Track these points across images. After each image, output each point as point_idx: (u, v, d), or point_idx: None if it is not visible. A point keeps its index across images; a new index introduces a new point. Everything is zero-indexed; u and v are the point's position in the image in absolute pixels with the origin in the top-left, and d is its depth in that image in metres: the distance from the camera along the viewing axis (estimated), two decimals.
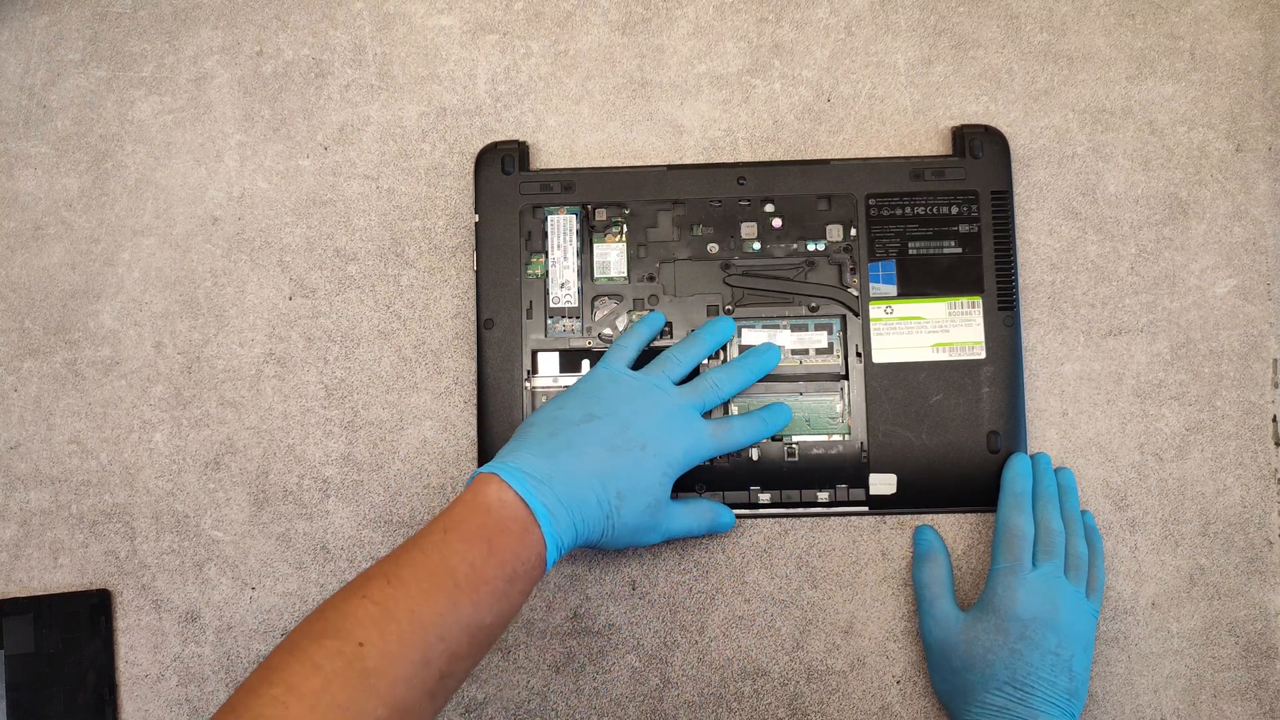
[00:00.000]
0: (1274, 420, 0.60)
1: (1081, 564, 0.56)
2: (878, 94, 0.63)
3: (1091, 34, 0.63)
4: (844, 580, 0.60)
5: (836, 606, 0.60)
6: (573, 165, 0.63)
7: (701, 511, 0.57)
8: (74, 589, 0.61)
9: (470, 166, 0.63)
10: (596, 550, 0.59)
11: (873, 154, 0.62)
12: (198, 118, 0.63)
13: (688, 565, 0.60)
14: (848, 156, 0.62)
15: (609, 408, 0.52)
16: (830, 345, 0.60)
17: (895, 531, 0.60)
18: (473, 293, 0.62)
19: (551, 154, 0.63)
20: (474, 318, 0.62)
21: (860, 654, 0.60)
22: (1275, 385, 0.61)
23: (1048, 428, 0.60)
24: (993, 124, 0.62)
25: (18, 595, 0.61)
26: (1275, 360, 0.61)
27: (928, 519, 0.60)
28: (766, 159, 0.62)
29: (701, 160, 0.62)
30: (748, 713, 0.59)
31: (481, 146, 0.62)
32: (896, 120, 0.63)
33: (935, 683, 0.57)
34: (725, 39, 0.63)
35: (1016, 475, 0.58)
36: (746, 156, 0.62)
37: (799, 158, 0.62)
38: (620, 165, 0.62)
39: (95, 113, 0.64)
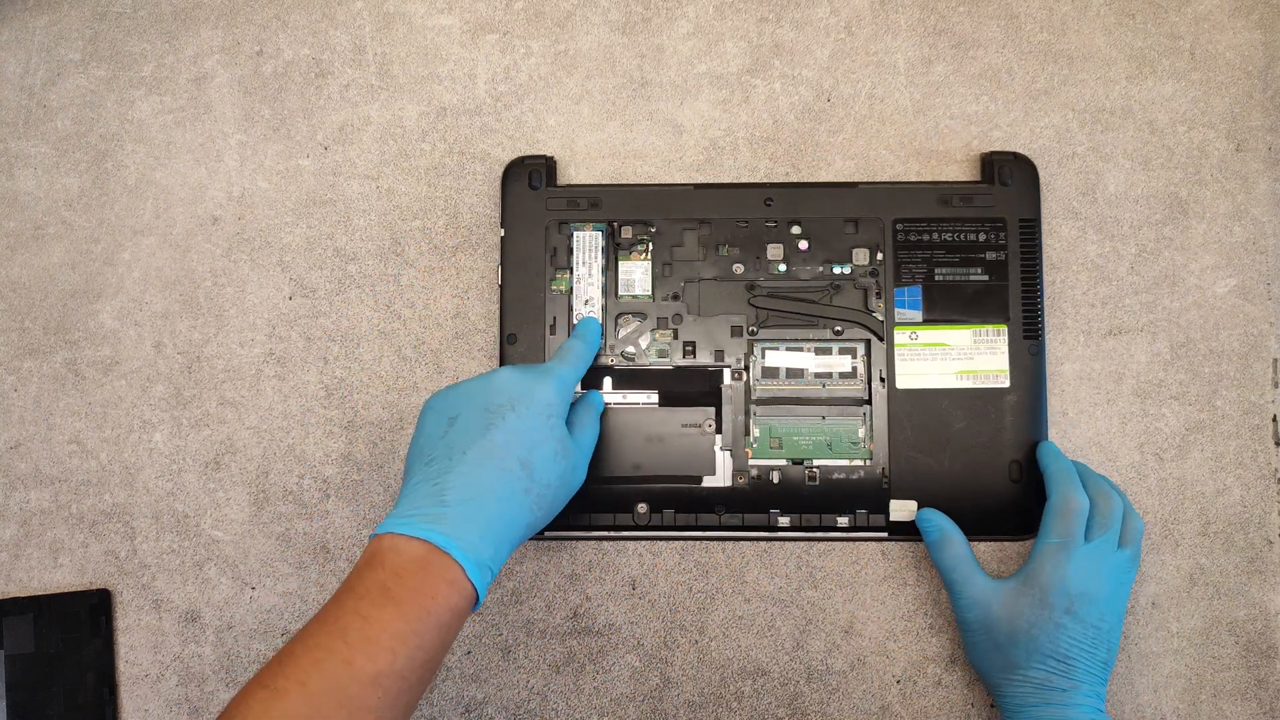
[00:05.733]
0: (1274, 420, 0.60)
1: (1136, 536, 0.55)
2: (878, 94, 0.63)
3: (1091, 34, 0.63)
4: (844, 580, 0.60)
5: (836, 606, 0.60)
6: (571, 165, 0.63)
7: (586, 411, 0.57)
8: (74, 589, 0.61)
9: (470, 166, 0.63)
10: (568, 518, 0.59)
11: (873, 154, 0.62)
12: (198, 118, 0.63)
13: (688, 565, 0.60)
14: (876, 180, 0.61)
15: (461, 404, 0.51)
16: (854, 369, 0.60)
17: None
18: (474, 293, 0.62)
19: (551, 154, 0.63)
20: (473, 318, 0.62)
21: (860, 654, 0.60)
22: (1275, 385, 0.61)
23: (1048, 427, 0.60)
24: (993, 124, 0.62)
25: (18, 595, 0.61)
26: (1275, 360, 0.61)
27: None
28: (768, 159, 0.62)
29: (702, 160, 0.62)
30: (748, 713, 0.59)
31: (483, 148, 0.62)
32: (896, 120, 0.63)
33: (972, 657, 0.56)
34: (725, 39, 0.63)
35: (1056, 454, 0.57)
36: (746, 156, 0.62)
37: (799, 158, 0.62)
38: (647, 183, 0.62)
39: (95, 113, 0.64)
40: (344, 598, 0.45)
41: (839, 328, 0.60)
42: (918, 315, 0.60)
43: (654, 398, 0.60)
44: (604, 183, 0.62)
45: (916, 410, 0.59)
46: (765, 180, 0.62)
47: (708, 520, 0.59)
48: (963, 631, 0.56)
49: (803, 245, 0.60)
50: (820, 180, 0.62)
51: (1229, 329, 0.61)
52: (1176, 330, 0.61)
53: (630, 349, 0.60)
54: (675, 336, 0.60)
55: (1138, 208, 0.62)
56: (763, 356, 0.60)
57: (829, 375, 0.60)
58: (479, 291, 0.62)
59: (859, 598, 0.60)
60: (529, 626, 0.60)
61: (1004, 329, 0.60)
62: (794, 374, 0.60)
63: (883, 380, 0.60)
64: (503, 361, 0.60)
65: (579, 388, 0.60)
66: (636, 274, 0.61)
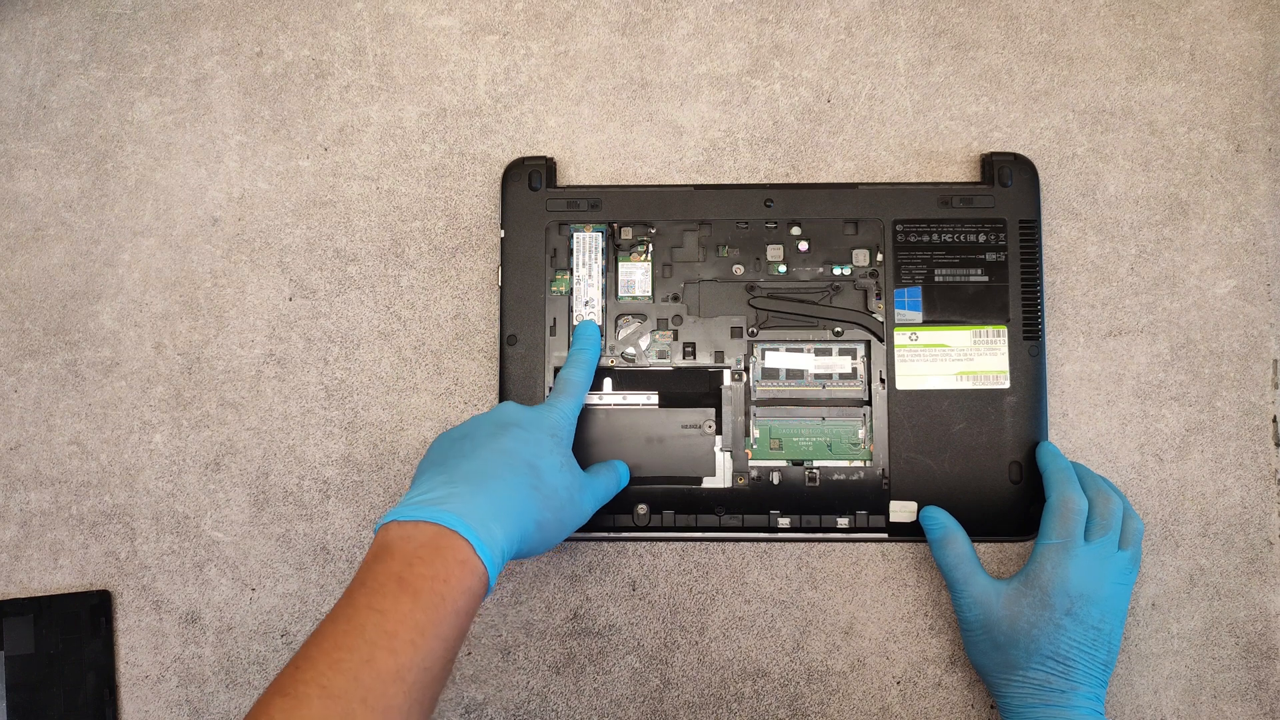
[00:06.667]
0: (1274, 420, 0.60)
1: (1136, 537, 0.55)
2: (878, 94, 0.63)
3: (1091, 34, 0.63)
4: (844, 581, 0.60)
5: (836, 607, 0.60)
6: (571, 165, 0.63)
7: (608, 471, 0.57)
8: (74, 589, 0.61)
9: (470, 167, 0.63)
10: (571, 532, 0.58)
11: (873, 155, 0.62)
12: (198, 118, 0.63)
13: (688, 565, 0.60)
14: (876, 181, 0.61)
15: (469, 427, 0.52)
16: (854, 370, 0.60)
17: None
18: (474, 294, 0.62)
19: (551, 155, 0.63)
20: (473, 319, 0.62)
21: (860, 654, 0.60)
22: (1275, 385, 0.61)
23: (1048, 428, 0.60)
24: (992, 125, 0.62)
25: (18, 596, 0.61)
26: (1275, 360, 0.61)
27: None
28: (768, 160, 0.62)
29: (702, 161, 0.62)
30: (748, 713, 0.60)
31: (483, 148, 0.62)
32: (896, 121, 0.62)
33: (972, 656, 0.56)
34: (725, 39, 0.63)
35: (1055, 455, 0.58)
36: (746, 157, 0.62)
37: (799, 158, 0.62)
38: (647, 184, 0.62)
39: (95, 113, 0.64)
40: (356, 593, 0.44)
41: (839, 329, 0.60)
42: (918, 316, 0.60)
43: (654, 399, 0.60)
44: (604, 184, 0.62)
45: (916, 411, 0.59)
46: (765, 181, 0.62)
47: (707, 521, 0.59)
48: (963, 631, 0.56)
49: (803, 246, 0.60)
50: (820, 181, 0.62)
51: (1229, 330, 0.61)
52: (1176, 331, 0.61)
53: (630, 350, 0.60)
54: (675, 337, 0.60)
55: (1138, 208, 0.62)
56: (763, 357, 0.60)
57: (829, 376, 0.60)
58: (479, 293, 0.62)
59: (859, 599, 0.60)
60: (529, 627, 0.60)
61: (1004, 330, 0.59)
62: (794, 375, 0.60)
63: (883, 381, 0.60)
64: (502, 363, 0.60)
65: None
66: (636, 275, 0.61)
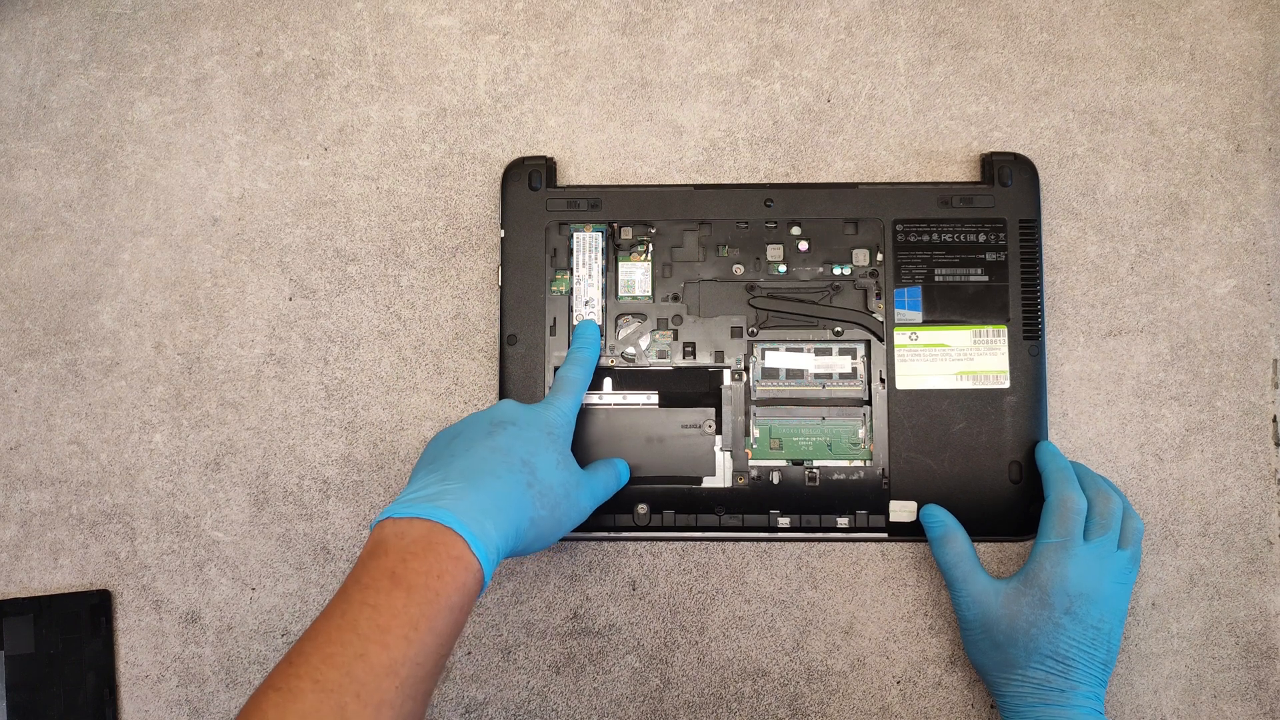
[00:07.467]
0: (1274, 420, 0.61)
1: (1136, 537, 0.55)
2: (878, 94, 0.63)
3: (1091, 34, 0.63)
4: (844, 580, 0.60)
5: (836, 607, 0.60)
6: (571, 165, 0.63)
7: (607, 468, 0.57)
8: (74, 589, 0.61)
9: (470, 167, 0.63)
10: (568, 530, 0.57)
11: (873, 155, 0.62)
12: (198, 118, 0.63)
13: (688, 565, 0.60)
14: (876, 180, 0.61)
15: (464, 426, 0.53)
16: (854, 370, 0.60)
17: None
18: (474, 294, 0.62)
19: (551, 154, 0.63)
20: (473, 319, 0.62)
21: (860, 654, 0.60)
22: (1275, 385, 0.61)
23: (1048, 428, 0.60)
24: (993, 124, 0.62)
25: (18, 595, 0.61)
26: (1275, 360, 0.61)
27: None
28: (768, 160, 0.62)
29: (702, 161, 0.62)
30: (748, 713, 0.60)
31: (483, 148, 0.63)
32: (896, 121, 0.63)
33: (972, 655, 0.56)
34: (725, 39, 0.63)
35: (1054, 454, 0.58)
36: (746, 156, 0.62)
37: (799, 158, 0.62)
38: (647, 184, 0.62)
39: (95, 113, 0.64)
40: (350, 589, 0.44)
41: (839, 328, 0.60)
42: (917, 316, 0.60)
43: (654, 398, 0.60)
44: (604, 183, 0.62)
45: (916, 411, 0.59)
46: (765, 181, 0.62)
47: (708, 521, 0.59)
48: (962, 630, 0.56)
49: (803, 246, 0.60)
50: (820, 181, 0.62)
51: (1229, 329, 0.61)
52: (1176, 331, 0.61)
53: (630, 350, 0.60)
54: (675, 337, 0.60)
55: (1138, 208, 0.62)
56: (763, 357, 0.60)
57: (829, 376, 0.60)
58: (479, 292, 0.62)
59: (859, 598, 0.60)
60: (529, 627, 0.60)
61: (1004, 329, 0.60)
62: (794, 375, 0.60)
63: (883, 381, 0.60)
64: (502, 362, 0.60)
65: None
66: (636, 275, 0.61)
